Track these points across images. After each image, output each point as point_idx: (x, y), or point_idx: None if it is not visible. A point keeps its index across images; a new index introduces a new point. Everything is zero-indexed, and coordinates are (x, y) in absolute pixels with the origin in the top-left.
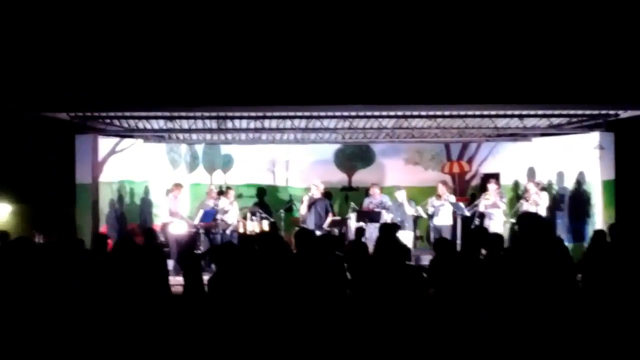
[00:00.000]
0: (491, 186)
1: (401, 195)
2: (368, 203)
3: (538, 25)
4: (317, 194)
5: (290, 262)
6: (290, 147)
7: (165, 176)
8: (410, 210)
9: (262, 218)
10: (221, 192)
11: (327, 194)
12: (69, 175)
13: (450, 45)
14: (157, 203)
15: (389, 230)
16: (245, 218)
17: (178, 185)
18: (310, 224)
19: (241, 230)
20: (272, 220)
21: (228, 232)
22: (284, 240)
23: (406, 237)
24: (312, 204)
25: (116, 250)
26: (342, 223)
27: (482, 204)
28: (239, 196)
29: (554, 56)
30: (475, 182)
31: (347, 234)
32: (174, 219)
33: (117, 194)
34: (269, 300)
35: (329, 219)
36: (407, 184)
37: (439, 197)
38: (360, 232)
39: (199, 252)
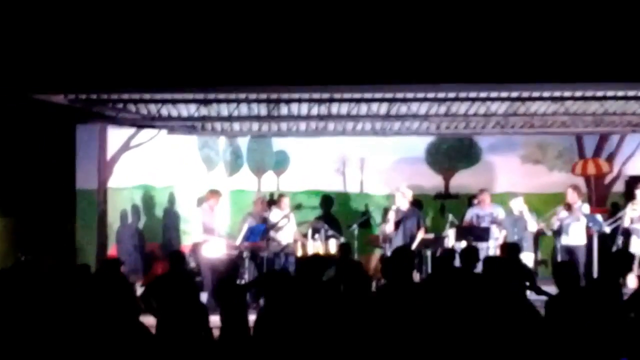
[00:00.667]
0: None
1: (518, 205)
2: (473, 215)
3: None
4: (404, 204)
5: (370, 299)
6: (367, 140)
7: (197, 180)
8: (531, 225)
9: (328, 237)
10: (272, 202)
11: (417, 203)
12: (68, 179)
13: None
14: (185, 216)
15: (510, 253)
16: (305, 236)
17: (214, 193)
18: (395, 245)
19: (300, 253)
20: (341, 239)
21: (282, 255)
22: (360, 268)
23: (524, 260)
24: (400, 217)
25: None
26: (437, 242)
27: (628, 217)
28: (296, 207)
29: None
30: (618, 187)
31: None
32: (208, 238)
33: (132, 203)
34: (336, 351)
35: (419, 236)
36: (524, 190)
37: (568, 207)
38: (447, 257)
39: (242, 282)
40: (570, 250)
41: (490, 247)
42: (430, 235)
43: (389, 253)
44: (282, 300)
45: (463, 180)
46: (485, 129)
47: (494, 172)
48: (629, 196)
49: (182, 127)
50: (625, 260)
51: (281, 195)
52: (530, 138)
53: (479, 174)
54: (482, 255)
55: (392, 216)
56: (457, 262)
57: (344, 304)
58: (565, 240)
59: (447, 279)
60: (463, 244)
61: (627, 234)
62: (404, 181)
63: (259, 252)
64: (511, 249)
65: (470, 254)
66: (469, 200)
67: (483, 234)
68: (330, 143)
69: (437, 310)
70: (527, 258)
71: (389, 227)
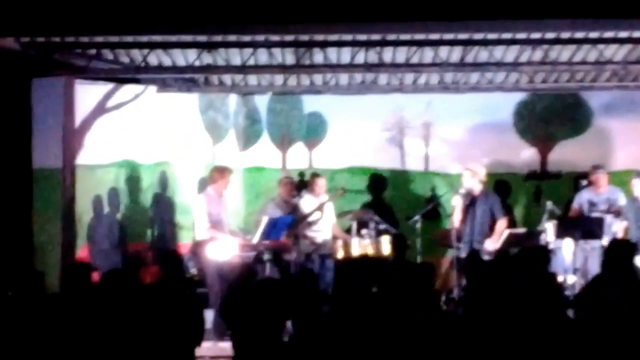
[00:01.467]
0: None
1: None
2: (582, 202)
3: None
4: (475, 186)
5: (438, 322)
6: (434, 99)
7: (199, 155)
8: None
9: (379, 232)
10: (303, 185)
11: (502, 186)
12: (21, 154)
13: None
14: (184, 204)
15: (623, 255)
16: (348, 232)
17: (223, 172)
18: (464, 244)
19: (340, 254)
20: (398, 233)
21: (316, 258)
22: (424, 274)
23: None
24: (469, 206)
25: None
26: (529, 240)
27: None
28: (336, 192)
29: None
30: None
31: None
32: (214, 234)
33: (110, 187)
34: None
35: (501, 229)
36: None
37: None
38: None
39: None
40: None
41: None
42: (520, 230)
43: (463, 254)
44: (317, 322)
45: (566, 154)
46: (598, 83)
47: (610, 142)
48: None
49: (178, 81)
50: None
51: (315, 176)
52: None
53: (589, 144)
54: (592, 262)
55: (458, 201)
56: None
57: (402, 326)
58: None
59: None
60: (567, 242)
61: None
62: (484, 155)
63: (284, 253)
64: (623, 249)
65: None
66: (576, 181)
67: (595, 228)
68: (383, 103)
69: None
70: None
71: (456, 217)
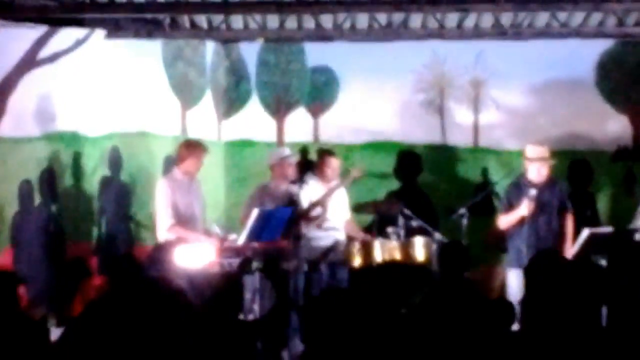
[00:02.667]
0: None
1: None
2: None
3: None
4: (533, 171)
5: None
6: (486, 47)
7: (163, 124)
8: None
9: (411, 230)
10: (307, 165)
11: (579, 168)
12: None
13: None
14: (143, 191)
15: None
16: (369, 230)
17: (194, 147)
18: (519, 248)
19: (358, 261)
20: (437, 235)
21: (324, 266)
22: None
23: None
24: (532, 199)
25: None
26: (619, 241)
27: None
28: (353, 175)
29: None
30: None
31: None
32: (184, 233)
33: (42, 169)
34: None
35: (571, 230)
36: None
37: None
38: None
39: (248, 318)
40: None
41: None
42: (605, 229)
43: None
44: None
45: None
46: None
47: None
48: None
49: (135, 23)
50: None
51: (324, 153)
52: None
53: None
54: None
55: (513, 194)
56: None
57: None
58: None
59: None
60: None
61: None
62: (555, 126)
63: (280, 260)
64: None
65: None
66: None
67: None
68: (416, 53)
69: None
70: None
71: (505, 217)
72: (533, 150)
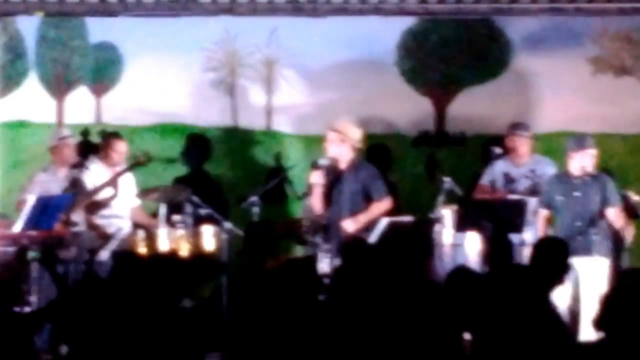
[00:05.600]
0: None
1: (584, 158)
2: (496, 176)
3: None
4: (344, 153)
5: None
6: (280, 24)
7: None
8: (613, 198)
9: (199, 219)
10: (90, 148)
11: (378, 153)
12: None
13: None
14: None
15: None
16: (155, 217)
17: None
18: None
19: (142, 250)
20: (227, 224)
21: (105, 254)
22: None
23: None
24: (334, 181)
25: None
26: (417, 230)
27: None
28: (139, 160)
29: None
30: None
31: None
32: None
33: None
34: None
35: (377, 211)
36: (599, 128)
37: None
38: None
39: (25, 310)
40: None
41: (528, 244)
42: (405, 218)
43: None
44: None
45: (473, 108)
46: (520, 4)
47: (537, 92)
48: None
49: None
50: None
51: (110, 136)
52: (611, 22)
53: (505, 94)
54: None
55: (317, 180)
56: None
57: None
58: None
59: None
60: (472, 236)
61: None
62: (353, 108)
63: (58, 249)
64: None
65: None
66: (486, 147)
67: (513, 215)
68: (205, 30)
69: None
70: (597, 270)
71: (316, 200)
72: (348, 133)
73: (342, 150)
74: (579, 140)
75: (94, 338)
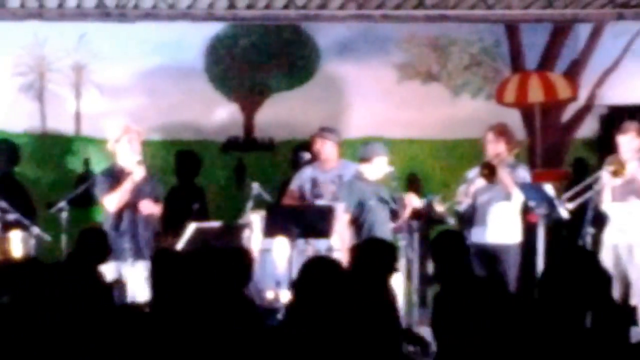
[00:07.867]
0: (627, 140)
1: (378, 164)
2: (304, 182)
3: None
4: (130, 157)
5: None
6: (88, 30)
7: None
8: (413, 201)
9: (6, 224)
10: None
11: (187, 159)
12: None
13: None
14: None
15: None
16: None
17: None
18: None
19: None
20: (35, 229)
21: None
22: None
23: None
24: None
25: None
26: (225, 237)
27: (606, 189)
28: None
29: None
30: (587, 128)
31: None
32: None
33: None
34: None
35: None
36: (402, 134)
37: (487, 170)
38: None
39: None
40: (489, 255)
41: (335, 250)
42: (214, 224)
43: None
44: None
45: (282, 114)
46: (328, 10)
47: (346, 98)
48: (606, 146)
49: None
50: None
51: None
52: (418, 29)
53: (315, 100)
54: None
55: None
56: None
57: None
58: (480, 234)
59: None
60: (280, 242)
61: (600, 220)
62: (162, 113)
63: None
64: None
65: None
66: (295, 152)
67: (320, 221)
68: (14, 34)
69: None
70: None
71: (111, 202)
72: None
73: (128, 150)
74: (366, 151)
75: None
